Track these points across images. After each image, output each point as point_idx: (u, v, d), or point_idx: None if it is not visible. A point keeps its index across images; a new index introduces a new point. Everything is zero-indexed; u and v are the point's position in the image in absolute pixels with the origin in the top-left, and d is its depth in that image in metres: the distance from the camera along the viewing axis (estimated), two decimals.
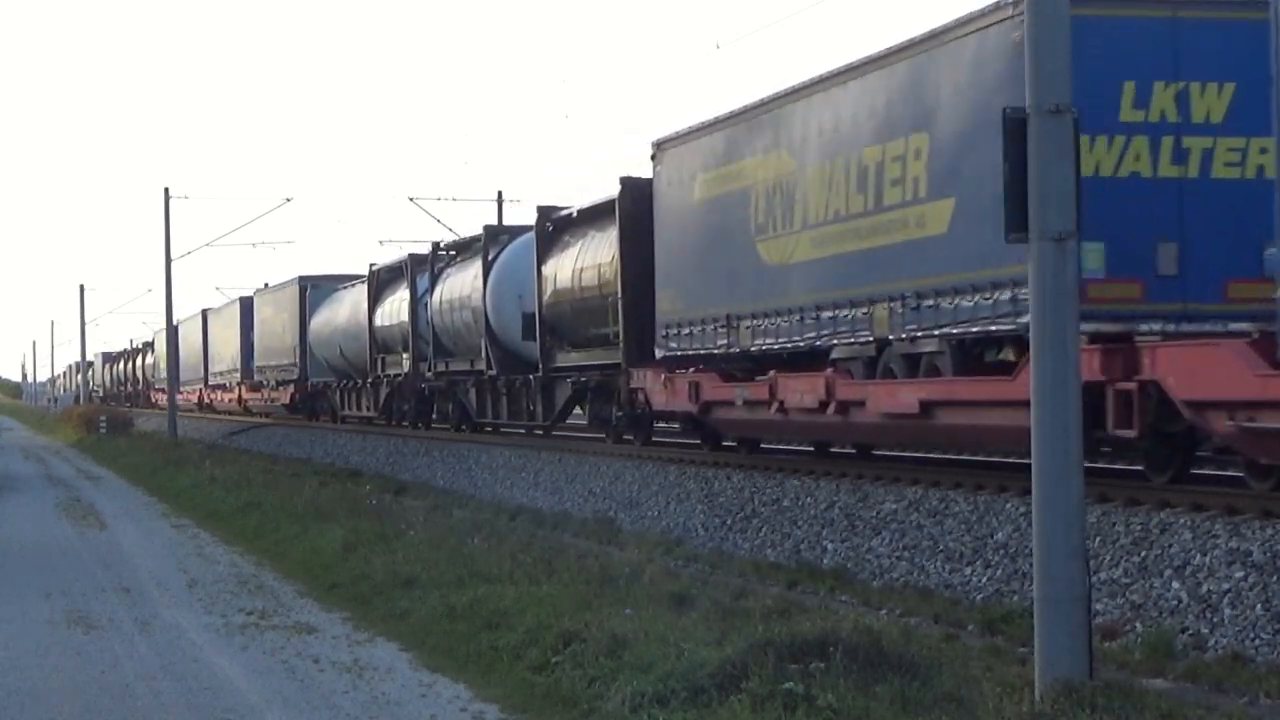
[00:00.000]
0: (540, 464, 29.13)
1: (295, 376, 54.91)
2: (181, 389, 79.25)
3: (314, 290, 53.74)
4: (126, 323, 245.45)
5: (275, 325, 58.42)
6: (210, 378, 73.32)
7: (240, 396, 65.90)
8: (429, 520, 21.39)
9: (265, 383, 60.38)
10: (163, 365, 77.66)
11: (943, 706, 9.56)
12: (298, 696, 11.65)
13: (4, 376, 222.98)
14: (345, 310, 48.93)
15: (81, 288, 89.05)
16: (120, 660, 13.30)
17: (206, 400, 76.50)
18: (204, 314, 74.52)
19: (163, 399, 78.28)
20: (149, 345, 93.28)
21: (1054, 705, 9.30)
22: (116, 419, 65.98)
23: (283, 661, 13.00)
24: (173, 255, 55.95)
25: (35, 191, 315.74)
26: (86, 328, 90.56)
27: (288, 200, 59.75)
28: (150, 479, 37.32)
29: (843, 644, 10.36)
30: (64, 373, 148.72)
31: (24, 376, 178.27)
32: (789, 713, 9.44)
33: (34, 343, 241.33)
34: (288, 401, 56.63)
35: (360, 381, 47.92)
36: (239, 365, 65.47)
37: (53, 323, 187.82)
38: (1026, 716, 9.29)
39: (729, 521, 20.92)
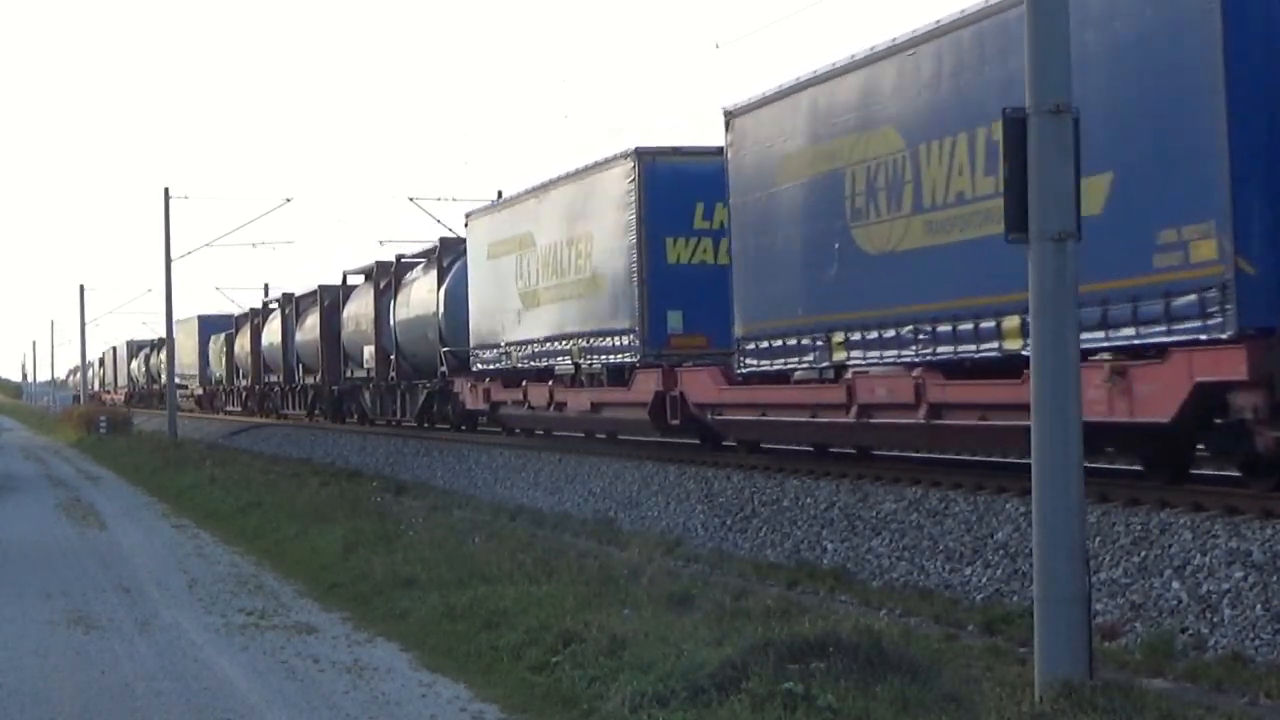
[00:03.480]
0: (540, 464, 29.14)
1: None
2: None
3: None
4: (126, 323, 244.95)
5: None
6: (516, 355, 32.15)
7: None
8: (429, 520, 21.39)
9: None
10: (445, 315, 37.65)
11: (943, 707, 9.55)
12: (298, 696, 11.65)
13: (4, 377, 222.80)
14: None
15: (81, 288, 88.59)
16: (120, 660, 13.29)
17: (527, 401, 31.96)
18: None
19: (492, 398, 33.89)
20: (376, 281, 45.71)
21: (1054, 705, 9.29)
22: (116, 419, 65.83)
23: (283, 662, 12.99)
24: (173, 255, 55.93)
25: (35, 191, 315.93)
26: (86, 328, 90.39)
27: (288, 200, 59.34)
28: (150, 479, 37.29)
29: (843, 644, 10.34)
30: (76, 368, 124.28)
31: (24, 377, 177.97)
32: (789, 713, 9.44)
33: (34, 343, 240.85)
34: None
35: None
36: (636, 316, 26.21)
37: (53, 323, 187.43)
38: (1026, 716, 9.28)
39: (729, 521, 20.93)
